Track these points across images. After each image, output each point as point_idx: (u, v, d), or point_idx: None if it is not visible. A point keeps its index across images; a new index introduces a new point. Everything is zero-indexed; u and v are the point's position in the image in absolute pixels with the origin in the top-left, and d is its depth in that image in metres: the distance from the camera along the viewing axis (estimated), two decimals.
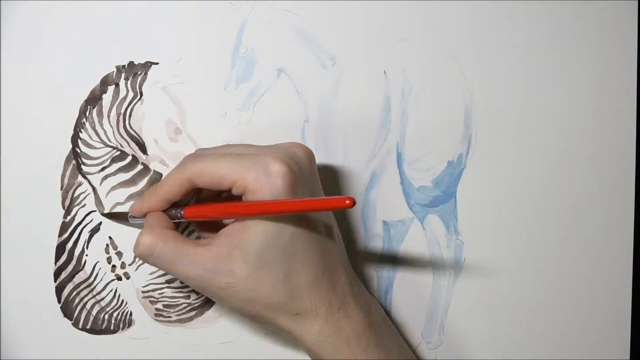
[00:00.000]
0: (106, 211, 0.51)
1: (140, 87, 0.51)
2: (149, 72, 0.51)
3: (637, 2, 0.54)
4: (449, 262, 0.54)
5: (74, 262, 0.51)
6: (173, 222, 0.47)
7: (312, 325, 0.45)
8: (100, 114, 0.51)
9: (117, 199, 0.51)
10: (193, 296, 0.52)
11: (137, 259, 0.51)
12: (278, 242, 0.43)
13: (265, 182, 0.43)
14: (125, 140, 0.51)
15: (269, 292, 0.44)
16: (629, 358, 0.56)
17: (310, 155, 0.47)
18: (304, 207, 0.42)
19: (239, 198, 0.45)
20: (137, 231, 0.51)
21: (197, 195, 0.49)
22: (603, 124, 0.55)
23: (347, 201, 0.39)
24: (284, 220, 0.43)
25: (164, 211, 0.47)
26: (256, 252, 0.43)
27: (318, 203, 0.42)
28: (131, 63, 0.51)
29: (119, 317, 0.52)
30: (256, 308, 0.45)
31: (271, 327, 0.50)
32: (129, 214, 0.49)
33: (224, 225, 0.46)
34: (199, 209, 0.46)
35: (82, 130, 0.51)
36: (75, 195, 0.51)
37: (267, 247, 0.43)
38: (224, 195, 0.47)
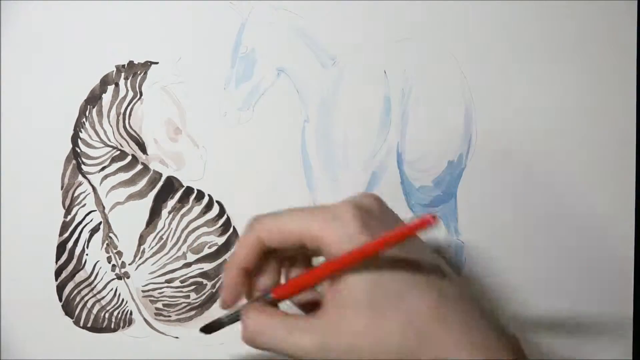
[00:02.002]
0: (201, 326, 0.45)
1: (140, 87, 0.51)
2: (149, 72, 0.51)
3: (636, 2, 0.54)
4: (449, 262, 0.54)
5: (74, 261, 0.52)
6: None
7: None
8: (100, 113, 0.51)
9: (117, 198, 0.51)
10: (193, 296, 0.52)
11: (137, 258, 0.52)
12: (382, 287, 0.39)
13: (336, 225, 0.40)
14: (125, 140, 0.51)
15: (397, 340, 0.38)
16: (631, 358, 0.55)
17: (377, 198, 0.43)
18: (384, 243, 0.38)
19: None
20: (138, 230, 0.52)
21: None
22: (603, 123, 0.55)
23: (431, 219, 0.36)
24: (381, 269, 0.39)
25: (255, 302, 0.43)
26: (366, 302, 0.39)
27: (397, 234, 0.38)
28: (131, 63, 0.51)
29: (119, 316, 0.52)
30: None
31: None
32: (221, 306, 0.44)
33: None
34: (287, 285, 0.43)
35: (82, 129, 0.51)
36: (76, 194, 0.51)
37: (375, 295, 0.39)
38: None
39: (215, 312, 0.53)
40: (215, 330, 0.45)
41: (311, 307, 0.43)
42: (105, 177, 0.51)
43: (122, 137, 0.51)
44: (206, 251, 0.52)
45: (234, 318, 0.43)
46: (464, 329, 0.39)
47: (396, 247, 0.39)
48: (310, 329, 0.40)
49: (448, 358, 0.38)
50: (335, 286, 0.40)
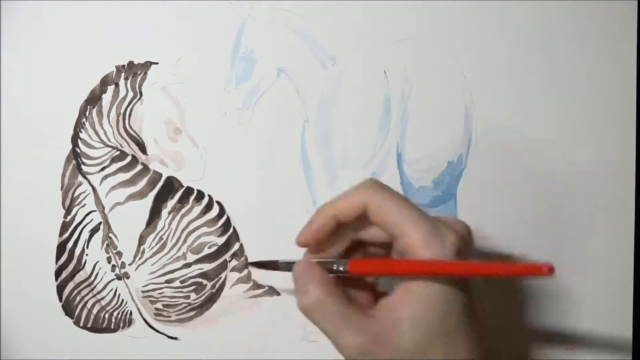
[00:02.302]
0: (252, 261, 0.46)
1: (140, 87, 0.51)
2: (149, 72, 0.51)
3: (637, 2, 0.54)
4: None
5: (74, 261, 0.52)
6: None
7: None
8: (100, 113, 0.51)
9: (117, 198, 0.51)
10: (193, 296, 0.52)
11: (137, 258, 0.52)
12: (443, 321, 0.39)
13: (435, 249, 0.39)
14: (125, 140, 0.51)
15: None
16: (630, 359, 0.55)
17: (470, 233, 0.43)
18: (494, 271, 0.38)
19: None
20: (138, 230, 0.52)
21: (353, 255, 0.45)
22: (603, 124, 0.54)
23: (546, 269, 0.35)
24: (452, 297, 0.39)
25: (325, 267, 0.42)
26: (422, 330, 0.39)
27: (512, 268, 0.38)
28: (131, 63, 0.51)
29: (119, 316, 0.52)
30: None
31: None
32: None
33: (376, 294, 0.43)
34: (366, 263, 0.42)
35: (82, 130, 0.51)
36: (75, 195, 0.51)
37: (432, 326, 0.39)
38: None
39: (215, 312, 0.53)
40: (265, 268, 0.45)
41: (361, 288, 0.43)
42: (105, 177, 0.51)
43: (122, 137, 0.51)
44: (206, 251, 0.52)
45: (290, 267, 0.43)
46: None
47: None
48: (362, 328, 0.39)
49: None
50: (406, 291, 0.40)
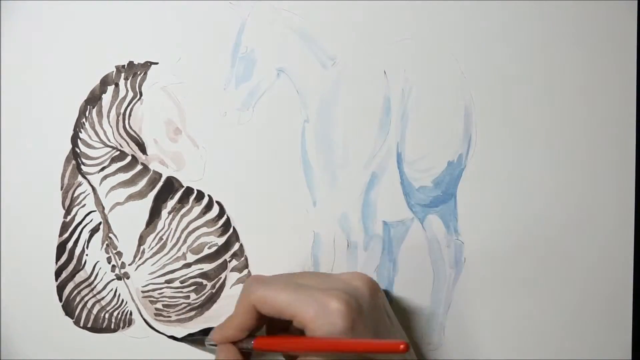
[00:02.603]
0: (181, 336, 0.52)
1: (139, 87, 0.51)
2: (149, 72, 0.51)
3: (637, 2, 0.54)
4: (449, 262, 0.54)
5: (74, 261, 0.52)
6: (242, 351, 0.48)
7: None
8: (100, 114, 0.51)
9: (117, 199, 0.51)
10: (193, 296, 0.52)
11: (136, 258, 0.52)
12: None
13: (324, 322, 0.43)
14: (125, 140, 0.51)
15: None
16: (630, 359, 0.55)
17: (372, 288, 0.46)
18: (354, 348, 0.42)
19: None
20: (138, 230, 0.52)
21: (271, 325, 0.49)
22: (603, 124, 0.54)
23: (401, 346, 0.39)
24: None
25: (235, 343, 0.48)
26: None
27: (369, 345, 0.42)
28: (131, 63, 0.51)
29: (119, 316, 0.52)
30: None
31: None
32: (206, 341, 0.50)
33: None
34: (267, 341, 0.47)
35: (81, 130, 0.51)
36: (75, 195, 0.51)
37: None
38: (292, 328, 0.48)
39: (215, 312, 0.53)
40: (194, 345, 0.52)
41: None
42: (105, 177, 0.51)
43: (121, 137, 0.51)
44: (206, 251, 0.52)
45: (213, 351, 0.50)
46: None
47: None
48: None
49: None
50: None
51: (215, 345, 0.49)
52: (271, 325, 0.49)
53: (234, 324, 0.47)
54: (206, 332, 0.51)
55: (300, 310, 0.43)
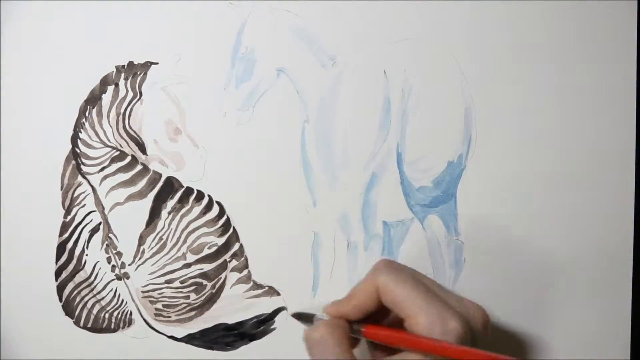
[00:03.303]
0: (292, 313, 0.51)
1: (139, 87, 0.51)
2: (149, 72, 0.51)
3: (637, 2, 0.54)
4: (449, 262, 0.54)
5: (74, 261, 0.52)
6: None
7: None
8: (99, 114, 0.51)
9: (117, 199, 0.51)
10: (193, 296, 0.52)
11: (136, 258, 0.52)
12: None
13: (438, 333, 0.42)
14: (125, 141, 0.51)
15: None
16: (629, 358, 0.55)
17: (486, 322, 0.46)
18: (466, 356, 0.41)
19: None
20: (138, 230, 0.52)
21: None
22: (603, 124, 0.54)
23: None
24: None
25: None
26: None
27: (479, 355, 0.41)
28: (131, 63, 0.51)
29: (119, 316, 0.52)
30: None
31: None
32: (320, 315, 0.47)
33: (394, 351, 0.46)
34: (380, 331, 0.45)
35: (81, 130, 0.51)
36: (75, 195, 0.51)
37: None
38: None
39: (215, 312, 0.53)
40: (304, 321, 0.49)
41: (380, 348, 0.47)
42: (105, 177, 0.51)
43: (121, 137, 0.51)
44: (206, 252, 0.52)
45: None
46: None
47: None
48: None
49: None
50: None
51: (307, 320, 0.48)
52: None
53: (353, 302, 0.46)
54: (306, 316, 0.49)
55: (419, 314, 0.43)
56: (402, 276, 0.45)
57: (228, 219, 0.52)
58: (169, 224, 0.52)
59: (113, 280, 0.52)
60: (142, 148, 0.52)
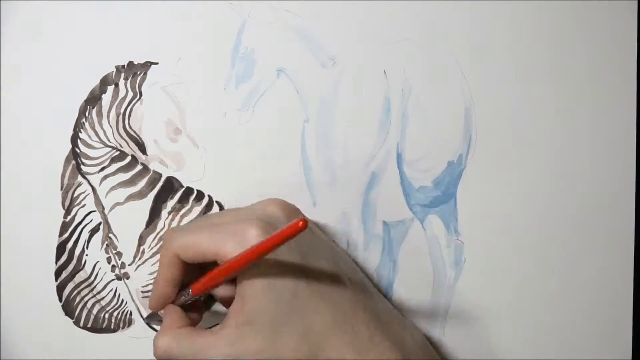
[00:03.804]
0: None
1: (139, 87, 0.51)
2: (149, 72, 0.51)
3: (637, 2, 0.54)
4: (449, 262, 0.54)
5: (74, 261, 0.52)
6: (188, 303, 0.47)
7: None
8: (99, 114, 0.51)
9: (117, 199, 0.51)
10: None
11: (136, 258, 0.52)
12: (281, 305, 0.42)
13: (244, 247, 0.42)
14: (125, 141, 0.51)
15: (291, 355, 0.43)
16: (630, 359, 0.55)
17: (289, 210, 0.47)
18: (266, 247, 0.41)
19: None
20: (138, 230, 0.52)
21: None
22: (603, 124, 0.54)
23: (300, 223, 0.39)
24: (281, 281, 0.43)
25: (177, 302, 0.47)
26: (263, 322, 0.42)
27: (276, 238, 0.41)
28: (131, 63, 0.51)
29: (119, 316, 0.52)
30: None
31: None
32: (145, 319, 0.51)
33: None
34: (202, 281, 0.45)
35: (81, 130, 0.51)
36: (75, 195, 0.51)
37: (272, 313, 0.42)
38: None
39: (215, 311, 0.53)
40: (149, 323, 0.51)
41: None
42: (105, 177, 0.51)
43: (121, 137, 0.51)
44: None
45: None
46: (352, 339, 0.44)
47: (296, 255, 0.43)
48: (212, 351, 0.43)
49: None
50: (238, 302, 0.43)
51: (159, 320, 0.48)
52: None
53: (161, 282, 0.46)
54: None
55: (221, 246, 0.43)
56: (189, 229, 0.45)
57: None
58: (169, 224, 0.52)
59: (113, 280, 0.52)
60: (142, 148, 0.52)
